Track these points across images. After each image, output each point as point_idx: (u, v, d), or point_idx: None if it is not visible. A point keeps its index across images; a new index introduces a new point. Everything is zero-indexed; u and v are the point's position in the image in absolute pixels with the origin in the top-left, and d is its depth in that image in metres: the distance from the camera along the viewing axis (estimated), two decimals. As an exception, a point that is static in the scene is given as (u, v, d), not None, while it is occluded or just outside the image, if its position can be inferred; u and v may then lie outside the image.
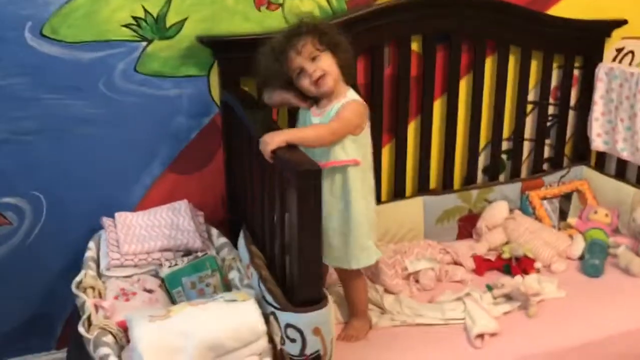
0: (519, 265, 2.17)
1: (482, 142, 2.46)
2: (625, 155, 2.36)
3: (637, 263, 2.11)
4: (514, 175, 2.54)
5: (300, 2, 2.06)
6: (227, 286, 1.83)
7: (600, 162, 2.55)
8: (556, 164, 2.60)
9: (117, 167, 2.02)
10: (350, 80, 1.70)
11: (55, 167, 1.97)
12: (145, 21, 1.91)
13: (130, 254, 1.85)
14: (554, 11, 2.41)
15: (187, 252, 1.92)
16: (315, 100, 1.71)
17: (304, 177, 1.36)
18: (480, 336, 1.76)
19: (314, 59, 1.63)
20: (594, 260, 2.15)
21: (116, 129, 1.98)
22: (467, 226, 2.44)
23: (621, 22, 2.45)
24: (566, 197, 2.54)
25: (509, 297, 1.97)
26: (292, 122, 1.94)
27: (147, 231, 1.93)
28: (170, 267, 1.85)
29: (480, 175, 2.51)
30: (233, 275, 1.83)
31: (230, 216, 2.14)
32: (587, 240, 2.28)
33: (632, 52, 2.63)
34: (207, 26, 1.98)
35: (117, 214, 1.98)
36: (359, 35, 2.01)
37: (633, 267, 2.11)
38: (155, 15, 1.92)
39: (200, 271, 1.83)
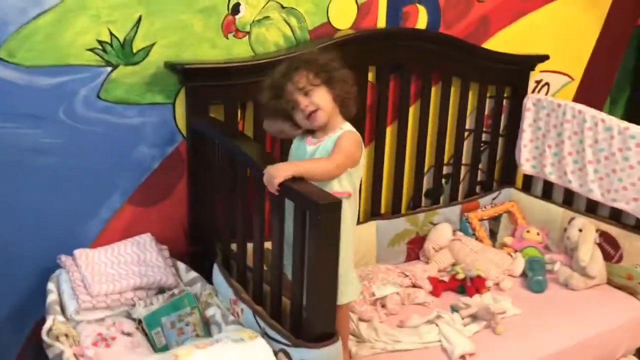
0: (472, 285, 2.28)
1: (426, 166, 2.57)
2: (553, 178, 2.58)
3: (576, 278, 2.31)
4: (453, 199, 2.68)
5: (267, 31, 2.05)
6: (207, 324, 1.76)
7: (527, 184, 2.76)
8: (487, 187, 2.78)
9: (75, 201, 1.87)
10: (347, 114, 1.70)
11: (4, 202, 1.78)
12: (111, 45, 1.80)
13: (102, 295, 1.71)
14: (488, 45, 2.60)
15: (160, 290, 1.82)
16: (310, 131, 1.70)
17: (327, 209, 1.35)
18: (462, 357, 1.83)
19: (307, 93, 1.62)
20: (538, 277, 2.32)
21: (75, 159, 1.84)
22: (415, 248, 2.54)
23: (544, 57, 2.69)
24: (495, 218, 2.72)
25: (474, 317, 2.06)
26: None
27: (114, 269, 1.80)
28: (145, 307, 1.74)
29: (423, 199, 2.62)
30: (213, 311, 1.76)
31: (194, 249, 2.05)
32: (525, 258, 2.46)
33: (547, 84, 2.90)
34: (174, 52, 1.90)
35: (77, 252, 1.83)
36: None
37: (573, 281, 2.30)
38: (121, 39, 1.81)
39: (179, 309, 1.74)
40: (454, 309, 2.12)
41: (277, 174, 1.47)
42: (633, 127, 2.27)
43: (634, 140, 2.26)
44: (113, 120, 1.86)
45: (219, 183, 1.87)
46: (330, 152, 1.62)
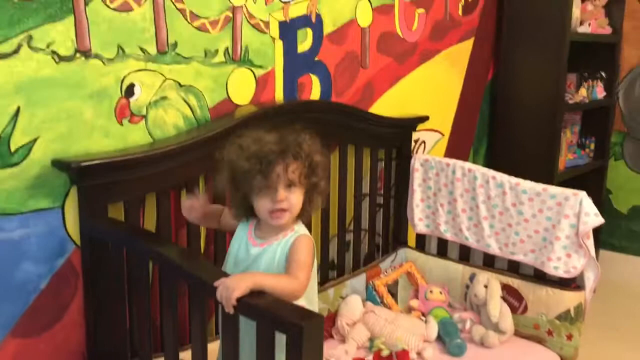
0: (398, 359, 2.19)
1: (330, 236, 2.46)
2: (449, 236, 2.61)
3: (491, 335, 2.32)
4: (355, 267, 2.60)
5: (165, 113, 1.81)
6: None
7: (420, 243, 2.77)
8: (384, 249, 2.75)
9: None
10: (304, 219, 1.53)
11: None
12: (-17, 146, 1.45)
13: None
14: (373, 110, 2.59)
15: None
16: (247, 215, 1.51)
17: (311, 331, 1.15)
18: None
19: (290, 187, 1.43)
20: (456, 340, 2.29)
21: (-61, 294, 1.42)
22: (328, 327, 2.38)
23: (424, 118, 2.75)
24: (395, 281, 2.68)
25: (415, 398, 1.97)
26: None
27: None
28: None
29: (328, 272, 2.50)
30: None
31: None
32: (437, 320, 2.43)
33: (424, 142, 2.98)
34: (61, 147, 1.58)
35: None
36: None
37: (489, 339, 2.31)
38: (-4, 137, 1.46)
39: None
40: (391, 392, 2.00)
41: (237, 286, 1.24)
42: (523, 183, 2.38)
43: (526, 195, 2.36)
44: (-12, 237, 1.49)
45: (137, 296, 1.58)
46: (289, 266, 1.42)
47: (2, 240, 1.51)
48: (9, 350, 1.57)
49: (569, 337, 2.31)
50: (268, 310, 1.22)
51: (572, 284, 2.34)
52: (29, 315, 1.59)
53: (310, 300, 1.51)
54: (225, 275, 1.32)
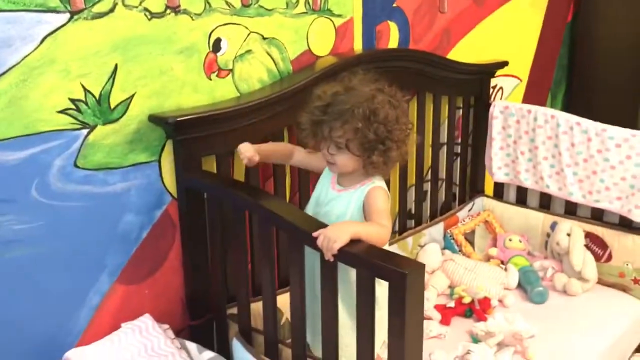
0: (480, 307, 2.20)
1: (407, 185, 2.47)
2: (529, 184, 2.57)
3: (574, 284, 2.30)
4: (433, 216, 2.60)
5: (250, 66, 1.83)
6: (241, 411, 1.53)
7: (498, 192, 2.74)
8: (461, 199, 2.73)
9: (57, 293, 1.55)
10: (383, 176, 1.57)
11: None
12: (86, 103, 1.50)
13: (120, 406, 1.42)
14: (450, 56, 2.53)
15: (180, 382, 1.56)
16: None
17: (414, 279, 1.18)
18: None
19: (338, 147, 1.49)
20: (538, 288, 2.29)
21: (54, 244, 1.52)
22: (407, 275, 2.42)
23: (504, 64, 2.67)
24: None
25: (499, 344, 1.98)
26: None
27: (122, 368, 1.52)
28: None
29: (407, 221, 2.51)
30: (247, 396, 1.53)
31: (195, 322, 1.80)
32: (517, 268, 2.42)
33: (502, 88, 2.90)
34: (156, 102, 1.63)
35: (70, 354, 1.52)
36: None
37: (571, 287, 2.29)
38: (97, 94, 1.52)
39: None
40: (475, 339, 2.02)
41: (337, 237, 1.28)
42: (610, 129, 2.29)
43: (613, 141, 2.28)
44: (94, 190, 1.56)
45: (234, 244, 1.64)
46: (371, 215, 1.47)
47: (107, 193, 1.59)
48: (118, 295, 1.68)
49: (657, 285, 2.27)
50: (369, 259, 1.24)
51: (660, 231, 2.28)
52: (132, 263, 1.68)
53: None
54: (324, 225, 1.35)
